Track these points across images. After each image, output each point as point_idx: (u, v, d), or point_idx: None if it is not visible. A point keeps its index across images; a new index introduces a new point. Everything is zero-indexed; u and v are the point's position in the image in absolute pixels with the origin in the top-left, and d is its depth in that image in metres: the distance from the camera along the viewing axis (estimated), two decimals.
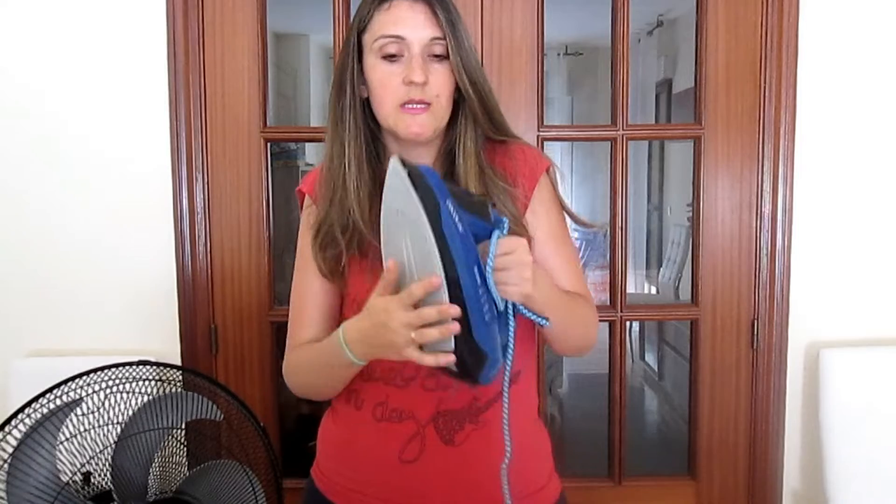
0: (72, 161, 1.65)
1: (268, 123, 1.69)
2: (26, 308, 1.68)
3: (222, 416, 1.29)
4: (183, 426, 1.29)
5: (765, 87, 1.66)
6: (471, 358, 0.81)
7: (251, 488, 1.28)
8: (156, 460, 1.26)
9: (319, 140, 2.59)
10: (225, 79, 1.67)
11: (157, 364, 1.35)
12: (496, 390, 0.99)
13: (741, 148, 1.69)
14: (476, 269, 0.79)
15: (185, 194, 1.65)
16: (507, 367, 0.88)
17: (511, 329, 0.86)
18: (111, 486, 1.22)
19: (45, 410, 1.20)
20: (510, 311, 0.86)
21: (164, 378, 1.32)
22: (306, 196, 1.08)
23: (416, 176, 0.78)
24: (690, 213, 1.78)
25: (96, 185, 1.66)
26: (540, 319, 0.89)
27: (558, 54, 5.17)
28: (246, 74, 1.67)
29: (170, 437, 1.27)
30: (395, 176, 0.79)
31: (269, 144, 1.70)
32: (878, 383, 1.62)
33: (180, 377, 1.34)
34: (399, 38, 0.96)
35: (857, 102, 1.66)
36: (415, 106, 0.97)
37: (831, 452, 1.60)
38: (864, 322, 1.70)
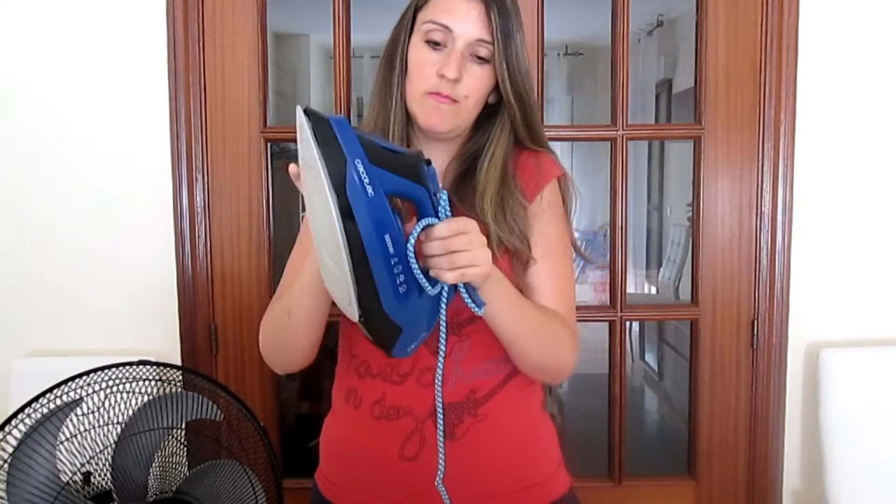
0: (72, 161, 1.65)
1: (268, 123, 1.69)
2: (26, 308, 1.68)
3: (222, 415, 1.29)
4: (183, 426, 1.29)
5: (765, 87, 1.66)
6: (382, 328, 0.77)
7: (251, 488, 1.28)
8: (156, 460, 1.26)
9: None
10: (225, 79, 1.67)
11: (158, 364, 1.35)
12: (495, 382, 0.99)
13: (741, 148, 1.69)
14: (389, 238, 0.73)
15: (185, 194, 1.65)
16: (441, 352, 0.84)
17: (442, 308, 0.82)
18: (111, 486, 1.22)
19: (45, 410, 1.20)
20: (444, 290, 0.81)
21: (164, 378, 1.32)
22: None
23: (320, 128, 0.71)
24: (690, 213, 1.78)
25: (96, 185, 1.66)
26: (475, 306, 0.83)
27: (558, 54, 5.17)
28: (246, 74, 1.67)
29: (170, 437, 1.27)
30: (301, 128, 0.71)
31: (269, 144, 1.70)
32: (878, 383, 1.62)
33: (180, 377, 1.34)
34: (446, 29, 0.94)
35: (857, 102, 1.66)
36: (441, 97, 0.95)
37: (831, 452, 1.60)
38: (864, 322, 1.70)
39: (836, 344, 1.67)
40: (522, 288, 0.98)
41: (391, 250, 0.73)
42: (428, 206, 0.77)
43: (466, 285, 0.81)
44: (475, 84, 0.96)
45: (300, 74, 4.31)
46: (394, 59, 0.99)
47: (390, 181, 0.74)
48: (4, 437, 1.19)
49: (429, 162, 0.78)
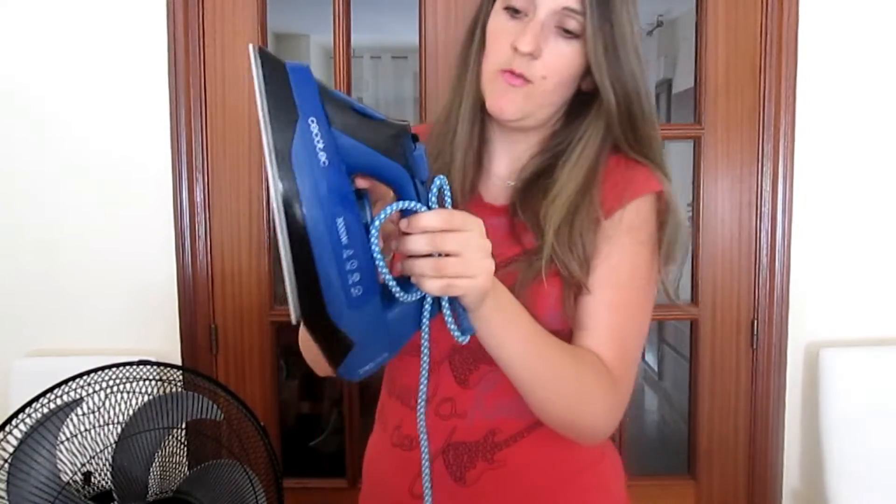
0: (72, 161, 1.65)
1: None
2: (26, 308, 1.68)
3: (222, 415, 1.29)
4: (183, 426, 1.29)
5: (765, 87, 1.66)
6: (327, 337, 0.61)
7: (251, 488, 1.28)
8: (156, 460, 1.26)
9: None
10: (225, 79, 1.67)
11: (158, 364, 1.35)
12: (522, 425, 0.83)
13: (741, 148, 1.69)
14: (342, 223, 0.57)
15: (185, 194, 1.65)
16: (423, 383, 0.68)
17: (424, 323, 0.65)
18: (111, 485, 1.22)
19: (45, 410, 1.20)
20: (427, 301, 0.65)
21: (164, 378, 1.32)
22: None
23: (272, 74, 0.56)
24: (690, 213, 1.78)
25: (97, 185, 1.66)
26: (457, 332, 0.66)
27: None
28: (246, 74, 1.67)
29: (170, 437, 1.27)
30: (253, 72, 0.57)
31: None
32: (878, 383, 1.62)
33: (180, 377, 1.34)
34: None
35: (857, 102, 1.66)
36: (513, 77, 0.79)
37: (831, 452, 1.60)
38: (864, 322, 1.70)
39: (836, 344, 1.67)
40: (572, 324, 0.81)
41: (344, 239, 0.58)
42: (409, 191, 0.61)
43: (453, 301, 0.65)
44: (557, 62, 0.78)
45: None
46: (473, 32, 0.85)
47: (357, 153, 0.58)
48: (5, 437, 1.18)
49: (416, 138, 0.62)
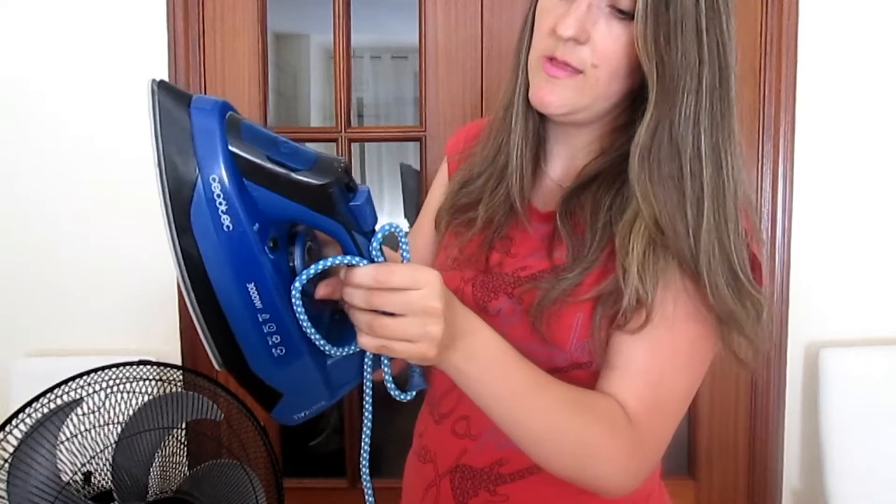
0: (72, 161, 1.65)
1: (268, 123, 1.69)
2: (26, 308, 1.68)
3: (222, 415, 1.29)
4: (183, 426, 1.29)
5: (765, 87, 1.66)
6: (253, 387, 0.58)
7: (251, 488, 1.28)
8: (156, 460, 1.26)
9: (319, 140, 2.59)
10: (225, 79, 1.67)
11: (158, 364, 1.35)
12: (529, 463, 0.73)
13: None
14: (254, 289, 0.52)
15: None
16: (366, 433, 0.62)
17: (366, 375, 0.60)
18: (111, 485, 1.22)
19: (45, 410, 1.20)
20: (368, 355, 0.59)
21: (164, 378, 1.32)
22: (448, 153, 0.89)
23: (171, 114, 0.49)
24: None
25: (96, 185, 1.66)
26: (396, 391, 0.60)
27: None
28: (246, 74, 1.67)
29: (170, 437, 1.27)
30: (148, 114, 0.50)
31: None
32: (878, 383, 1.61)
33: (181, 377, 1.34)
34: None
35: (857, 102, 1.66)
36: (554, 67, 0.68)
37: (831, 452, 1.60)
38: (864, 322, 1.70)
39: (836, 344, 1.66)
40: (598, 359, 0.69)
41: (258, 304, 0.53)
42: (347, 244, 0.55)
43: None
44: (609, 48, 0.66)
45: (300, 74, 4.31)
46: (527, 13, 0.74)
47: (277, 207, 0.51)
48: (5, 437, 1.18)
49: (351, 186, 0.53)
